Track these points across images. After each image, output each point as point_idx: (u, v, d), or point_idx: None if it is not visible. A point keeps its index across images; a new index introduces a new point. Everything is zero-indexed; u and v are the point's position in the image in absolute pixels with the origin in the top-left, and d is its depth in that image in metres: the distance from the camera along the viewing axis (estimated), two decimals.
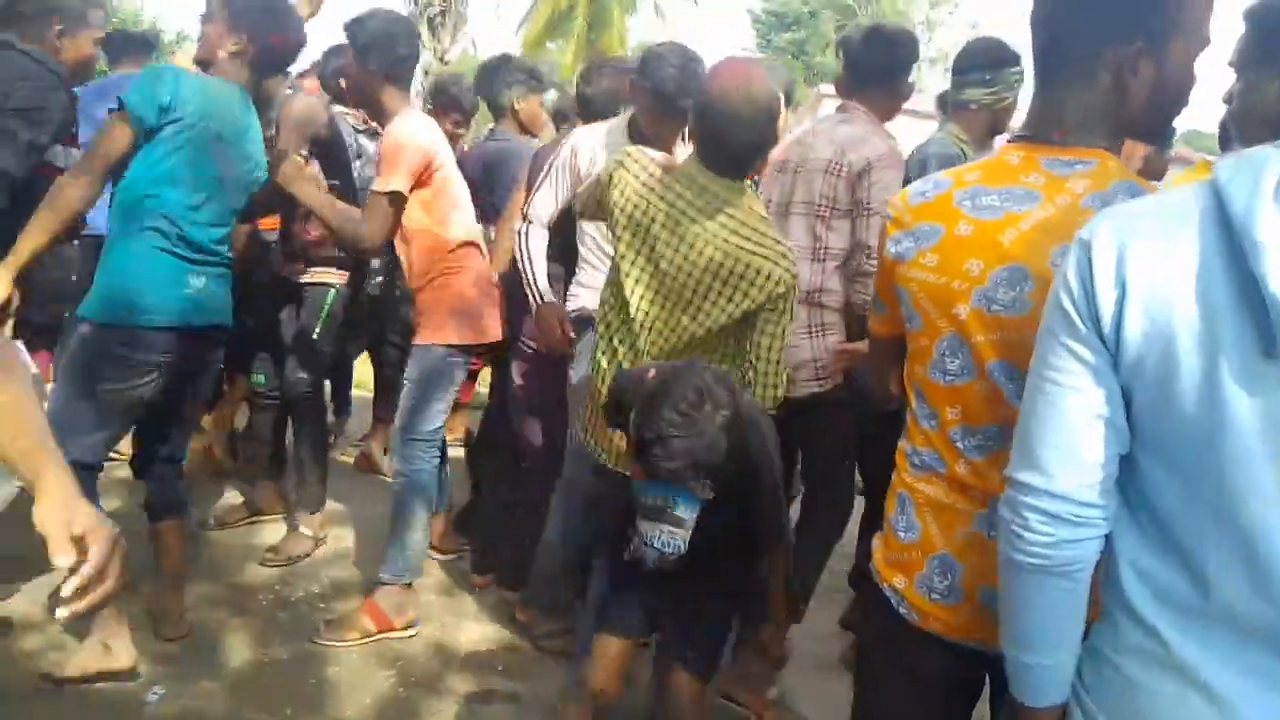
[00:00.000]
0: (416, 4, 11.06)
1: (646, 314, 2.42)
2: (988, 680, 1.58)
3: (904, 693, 1.59)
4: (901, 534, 1.56)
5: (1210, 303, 1.05)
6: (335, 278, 3.81)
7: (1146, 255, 1.10)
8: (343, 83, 3.72)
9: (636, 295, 2.41)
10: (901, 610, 1.54)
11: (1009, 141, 1.55)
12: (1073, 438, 1.14)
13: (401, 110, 3.11)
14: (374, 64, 3.07)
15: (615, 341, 2.48)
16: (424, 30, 14.01)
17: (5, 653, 2.80)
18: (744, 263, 2.30)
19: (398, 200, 3.04)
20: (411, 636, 3.21)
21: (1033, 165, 1.45)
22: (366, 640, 3.13)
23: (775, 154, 3.40)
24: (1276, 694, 1.07)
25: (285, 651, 3.04)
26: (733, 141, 2.28)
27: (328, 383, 4.43)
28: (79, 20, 2.94)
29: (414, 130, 3.08)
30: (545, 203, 3.13)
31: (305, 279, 3.80)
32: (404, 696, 2.91)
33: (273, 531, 3.85)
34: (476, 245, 3.35)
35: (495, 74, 4.23)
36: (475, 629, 3.37)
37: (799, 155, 3.14)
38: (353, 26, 3.10)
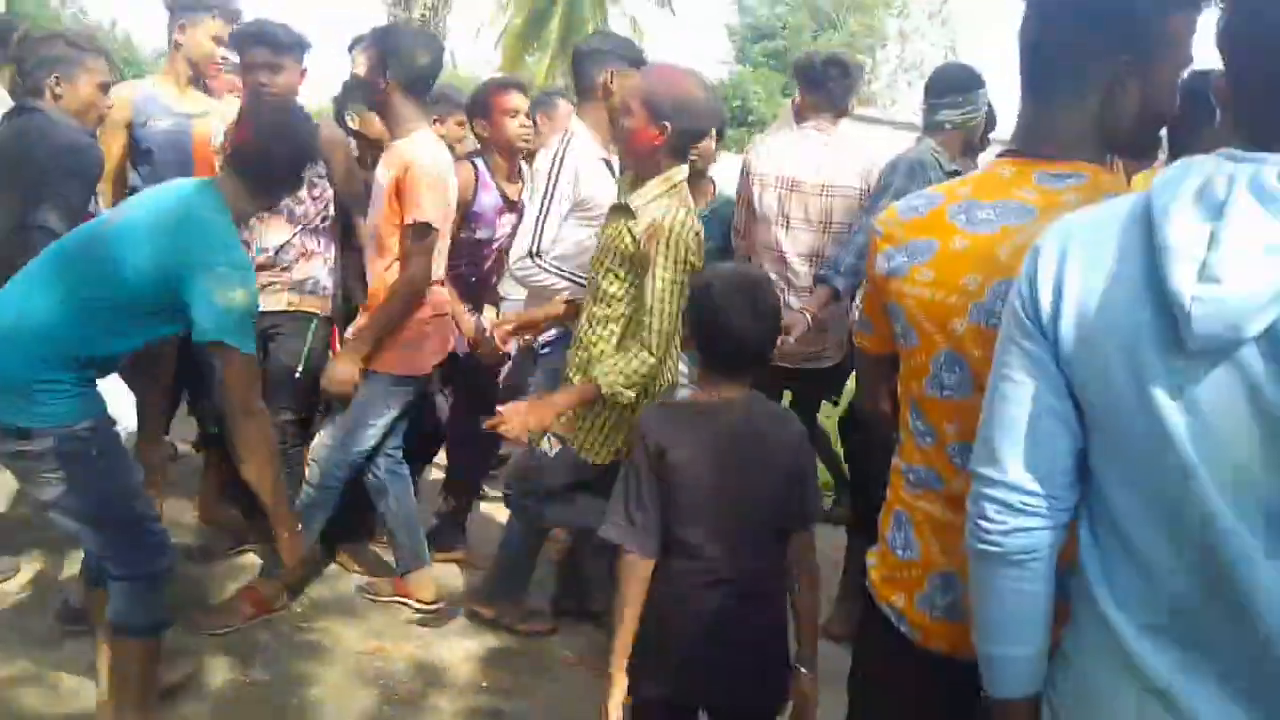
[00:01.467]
0: (395, 18, 11.01)
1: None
2: None
3: (903, 711, 1.57)
4: (900, 551, 1.55)
5: (1133, 305, 1.09)
6: (316, 306, 3.46)
7: (1080, 260, 1.16)
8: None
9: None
10: (902, 628, 1.53)
11: (999, 155, 1.55)
12: (1022, 430, 1.20)
13: (417, 124, 3.15)
14: (395, 73, 3.09)
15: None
16: None
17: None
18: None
19: (431, 233, 3.10)
20: (391, 656, 3.17)
21: (1025, 179, 1.45)
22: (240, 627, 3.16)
23: (762, 166, 3.49)
24: (1235, 703, 1.08)
25: (267, 673, 2.99)
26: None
27: None
28: (75, 64, 2.96)
29: (444, 165, 3.18)
30: (551, 234, 3.10)
31: (280, 307, 3.38)
32: (387, 716, 2.87)
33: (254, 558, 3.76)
34: (441, 281, 3.38)
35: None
36: (458, 645, 3.33)
37: (817, 177, 3.53)
38: (381, 33, 3.15)
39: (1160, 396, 1.07)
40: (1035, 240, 1.36)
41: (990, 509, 1.21)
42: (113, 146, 3.47)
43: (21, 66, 3.00)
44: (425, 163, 3.07)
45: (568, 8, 23.98)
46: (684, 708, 2.07)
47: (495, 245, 3.91)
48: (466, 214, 3.72)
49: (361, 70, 3.65)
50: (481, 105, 3.80)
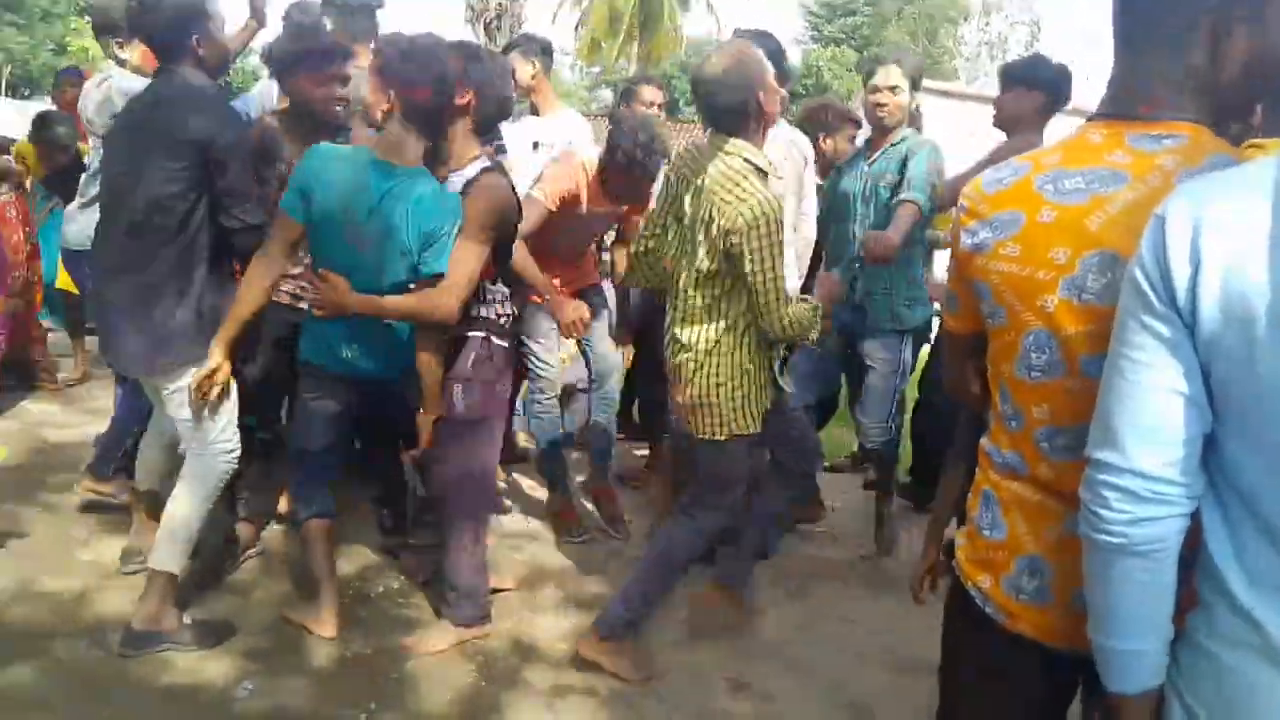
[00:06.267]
0: (473, 9, 11.15)
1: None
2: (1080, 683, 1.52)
3: (992, 693, 1.54)
4: (986, 532, 1.51)
5: None
6: None
7: (1221, 228, 1.07)
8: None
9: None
10: (988, 610, 1.49)
11: (1089, 119, 1.46)
12: (1150, 414, 1.12)
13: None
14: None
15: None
16: (480, 33, 14.13)
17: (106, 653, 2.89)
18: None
19: None
20: (488, 632, 3.23)
21: (1117, 143, 1.38)
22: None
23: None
24: None
25: (367, 647, 3.09)
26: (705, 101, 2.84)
27: None
28: (206, 18, 2.89)
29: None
30: None
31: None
32: (483, 691, 2.93)
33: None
34: None
35: None
36: (553, 623, 3.39)
37: None
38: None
39: None
40: (1140, 207, 1.28)
41: (1112, 497, 1.14)
42: None
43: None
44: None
45: None
46: None
47: None
48: None
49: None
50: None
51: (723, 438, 2.95)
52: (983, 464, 1.56)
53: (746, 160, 2.82)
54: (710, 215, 2.78)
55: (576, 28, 25.28)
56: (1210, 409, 1.12)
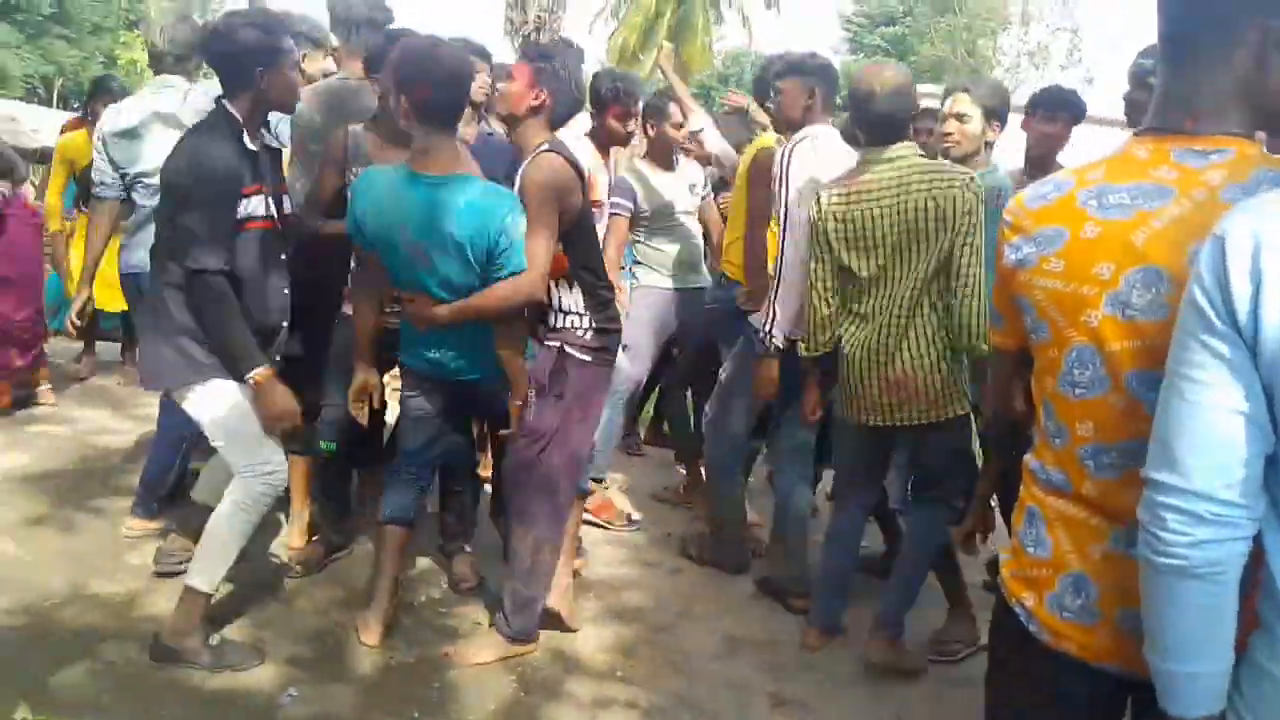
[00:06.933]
0: (511, 21, 11.26)
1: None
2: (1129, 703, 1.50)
3: (1036, 711, 1.52)
4: (1031, 549, 1.50)
5: None
6: None
7: None
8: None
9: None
10: (1031, 628, 1.48)
11: (1135, 134, 1.46)
12: (1211, 435, 1.11)
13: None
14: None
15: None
16: (519, 43, 14.25)
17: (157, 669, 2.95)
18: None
19: None
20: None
21: (1163, 158, 1.37)
22: None
23: None
24: None
25: (410, 656, 3.12)
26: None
27: None
28: (278, 53, 2.89)
29: None
30: None
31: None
32: (524, 702, 2.95)
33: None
34: None
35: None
36: (594, 635, 3.40)
37: None
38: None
39: None
40: (1186, 223, 1.29)
41: (1171, 519, 1.13)
42: None
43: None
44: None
45: (678, 4, 24.08)
46: None
47: None
48: None
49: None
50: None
51: (958, 413, 3.15)
52: (1027, 480, 1.55)
53: (921, 154, 3.11)
54: (928, 207, 2.98)
55: (609, 38, 25.39)
56: (1272, 429, 1.11)
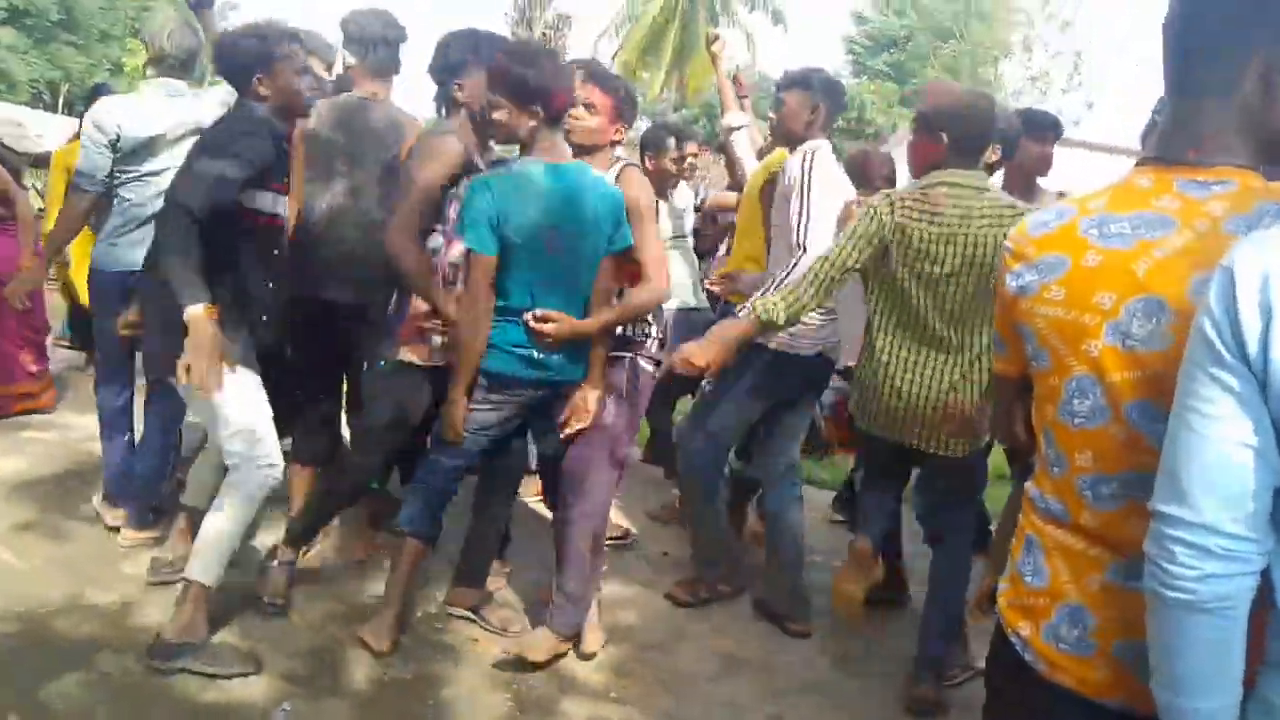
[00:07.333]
0: (517, 38, 11.35)
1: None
2: None
3: None
4: (1029, 578, 1.49)
5: None
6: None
7: None
8: None
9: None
10: (1027, 658, 1.47)
11: (1138, 164, 1.45)
12: (1220, 468, 1.10)
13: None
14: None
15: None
16: None
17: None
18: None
19: None
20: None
21: (1165, 188, 1.36)
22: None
23: None
24: None
25: (406, 672, 3.11)
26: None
27: None
28: (272, 62, 3.00)
29: None
30: None
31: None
32: None
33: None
34: None
35: None
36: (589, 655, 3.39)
37: None
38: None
39: None
40: (1187, 254, 1.28)
41: (1180, 552, 1.12)
42: None
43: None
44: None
45: (683, 25, 24.21)
46: None
47: None
48: None
49: None
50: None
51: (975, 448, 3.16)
52: (1026, 508, 1.54)
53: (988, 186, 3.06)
54: (989, 241, 2.92)
55: (613, 57, 25.50)
56: None
